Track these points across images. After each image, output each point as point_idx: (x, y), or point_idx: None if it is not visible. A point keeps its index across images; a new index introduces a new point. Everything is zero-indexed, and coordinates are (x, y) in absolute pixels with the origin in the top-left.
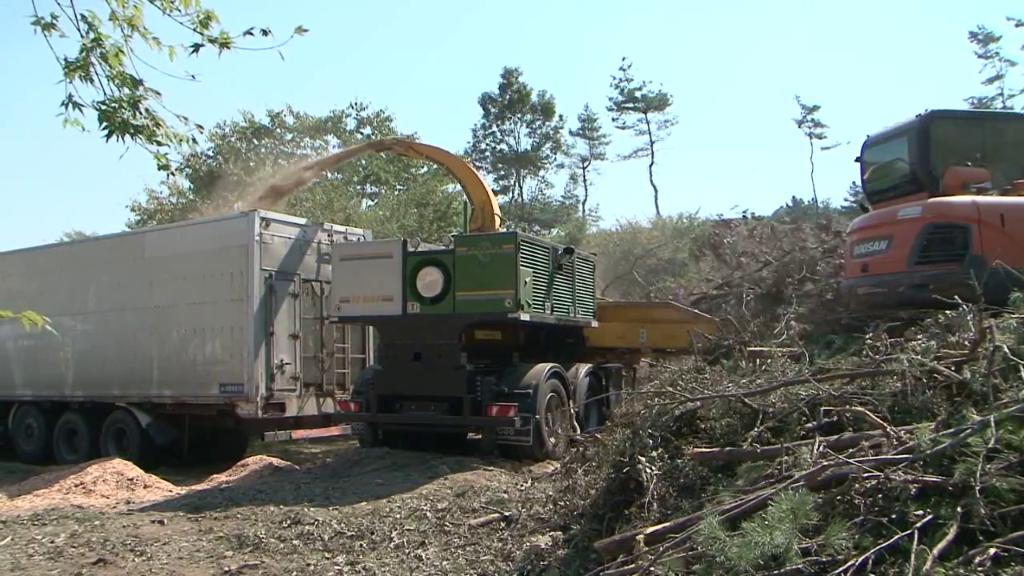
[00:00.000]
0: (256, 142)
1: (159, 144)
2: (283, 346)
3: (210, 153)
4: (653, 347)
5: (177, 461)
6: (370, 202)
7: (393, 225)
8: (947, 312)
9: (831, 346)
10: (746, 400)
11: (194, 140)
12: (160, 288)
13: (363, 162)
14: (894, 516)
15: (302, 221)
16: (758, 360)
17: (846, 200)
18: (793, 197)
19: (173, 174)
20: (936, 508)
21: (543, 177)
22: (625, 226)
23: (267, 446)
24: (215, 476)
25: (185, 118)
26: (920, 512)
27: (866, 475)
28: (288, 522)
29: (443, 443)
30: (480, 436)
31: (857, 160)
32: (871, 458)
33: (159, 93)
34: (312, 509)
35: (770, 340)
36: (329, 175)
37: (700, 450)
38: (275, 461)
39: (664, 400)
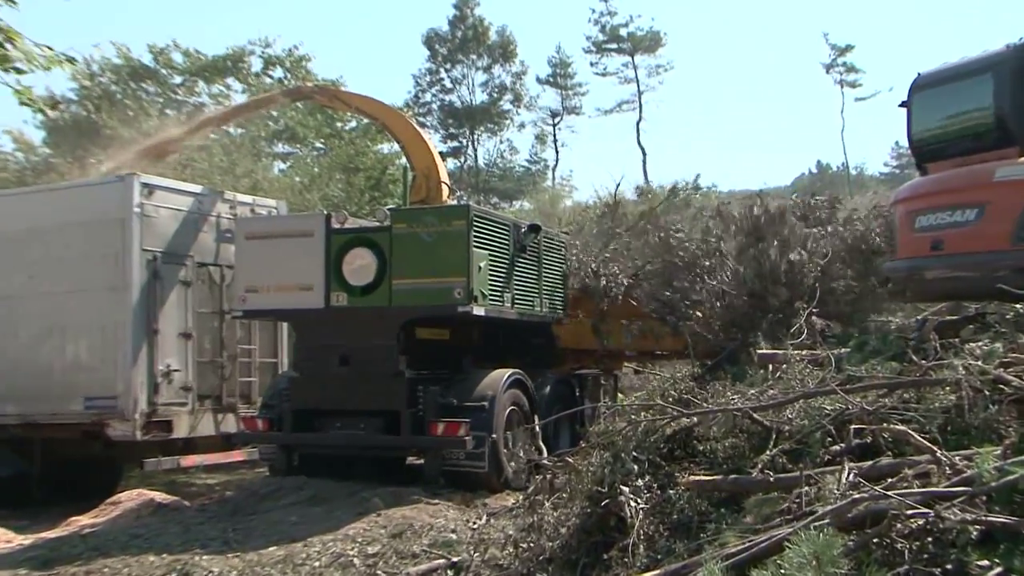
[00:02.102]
0: (136, 86)
1: (18, 72)
2: (171, 348)
3: (73, 97)
4: (640, 349)
5: (23, 500)
6: (284, 165)
7: (314, 195)
8: (1018, 306)
9: (864, 348)
10: (756, 416)
11: (70, 60)
12: (3, 274)
13: (275, 115)
14: (949, 566)
15: (197, 189)
16: (771, 366)
17: (887, 165)
18: (818, 162)
19: (42, 110)
20: (1006, 557)
21: (503, 137)
22: (606, 198)
23: (148, 477)
24: (75, 519)
25: (49, 47)
26: (984, 562)
27: (911, 512)
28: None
29: (376, 470)
30: (423, 461)
31: (903, 105)
32: (917, 491)
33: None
34: (206, 558)
35: (786, 340)
36: (232, 130)
37: (698, 478)
38: (158, 496)
39: (653, 415)
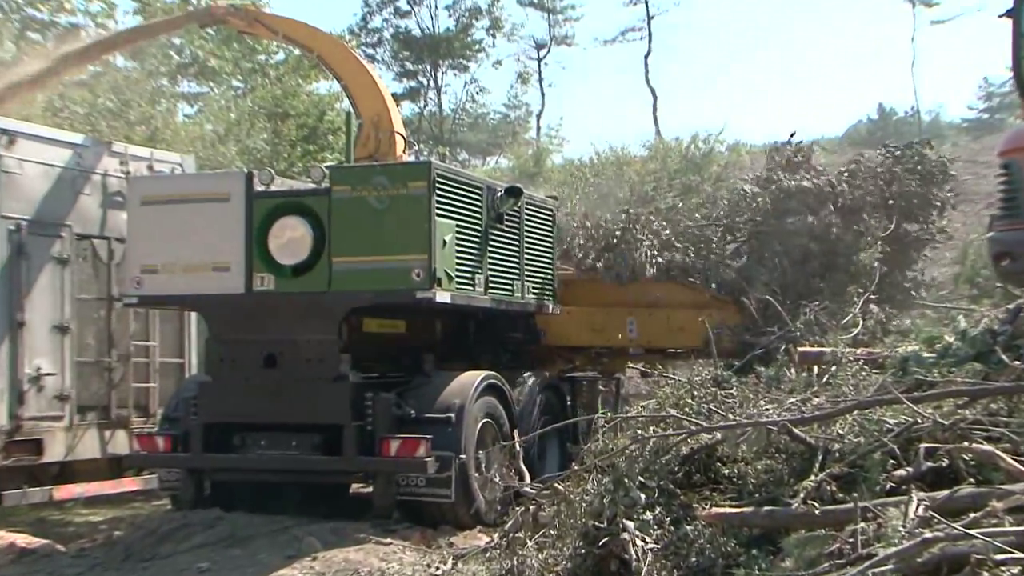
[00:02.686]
0: None
1: None
2: (41, 345)
3: None
4: (648, 346)
5: None
6: (191, 110)
7: (230, 148)
8: None
9: (937, 344)
10: (797, 431)
11: None
12: None
13: (179, 43)
14: None
15: (75, 139)
16: (816, 367)
17: (971, 109)
18: (880, 107)
19: None
20: None
21: (474, 76)
22: (606, 154)
23: (8, 514)
24: None
25: None
26: None
27: (1001, 557)
28: None
29: (312, 500)
30: (372, 489)
31: (1008, 14)
32: (1010, 529)
33: None
34: None
35: (835, 335)
36: (122, 62)
37: (722, 510)
38: (20, 539)
39: (665, 430)
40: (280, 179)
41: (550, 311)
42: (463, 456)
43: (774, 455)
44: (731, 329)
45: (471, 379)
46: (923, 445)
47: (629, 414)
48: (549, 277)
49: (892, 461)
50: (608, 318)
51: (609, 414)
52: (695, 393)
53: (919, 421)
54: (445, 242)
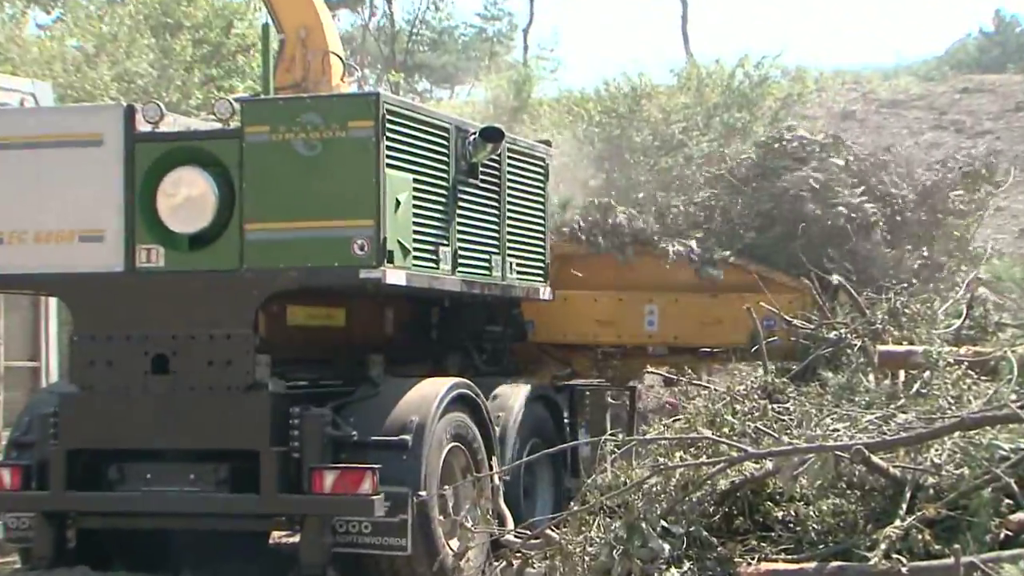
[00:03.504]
0: None
1: None
2: None
3: None
4: (673, 343)
5: None
6: (48, 19)
7: (102, 71)
8: None
9: None
10: (876, 459)
11: None
12: None
13: None
14: None
15: None
16: (903, 372)
17: None
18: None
19: None
20: None
21: None
22: (618, 84)
23: None
24: None
25: None
26: None
27: None
28: None
29: (217, 553)
30: (299, 538)
31: None
32: None
33: None
34: None
35: (928, 326)
36: None
37: (774, 566)
38: None
39: (697, 457)
40: (172, 116)
41: (541, 296)
42: (423, 493)
43: (845, 492)
44: (787, 320)
45: (434, 389)
46: None
47: (647, 436)
48: (540, 251)
49: (1008, 500)
50: (620, 306)
51: (621, 436)
52: (737, 407)
53: None
54: (398, 203)
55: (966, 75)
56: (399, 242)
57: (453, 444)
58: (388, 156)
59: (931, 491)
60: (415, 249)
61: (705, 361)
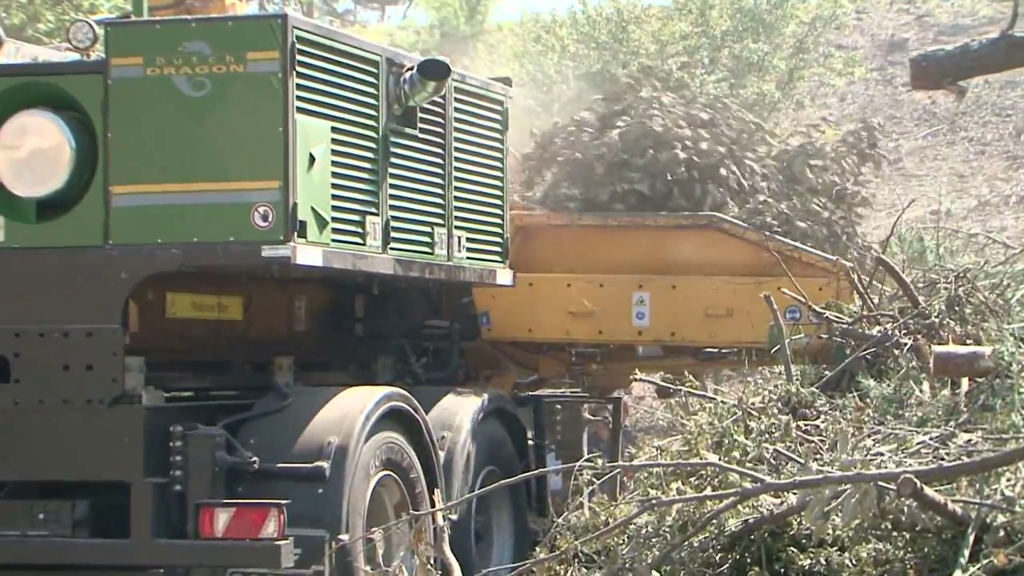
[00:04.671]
0: None
1: None
2: None
3: None
4: (670, 342)
5: None
6: None
7: None
8: None
9: None
10: (930, 491)
11: None
12: None
13: None
14: None
15: None
16: (965, 379)
17: None
18: None
19: None
20: None
21: None
22: (599, 5)
23: None
24: None
25: None
26: None
27: None
28: None
29: None
30: None
31: None
32: None
33: None
34: None
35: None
36: None
37: None
38: None
39: (700, 489)
40: (15, 44)
41: (499, 281)
42: (344, 537)
43: (890, 534)
44: (818, 312)
45: (358, 402)
46: None
47: (635, 461)
48: (497, 222)
49: None
50: (601, 294)
51: (602, 462)
52: (752, 425)
53: None
54: (312, 159)
55: None
56: (313, 210)
57: (383, 473)
58: (299, 98)
59: (1001, 532)
60: (334, 219)
61: (711, 365)
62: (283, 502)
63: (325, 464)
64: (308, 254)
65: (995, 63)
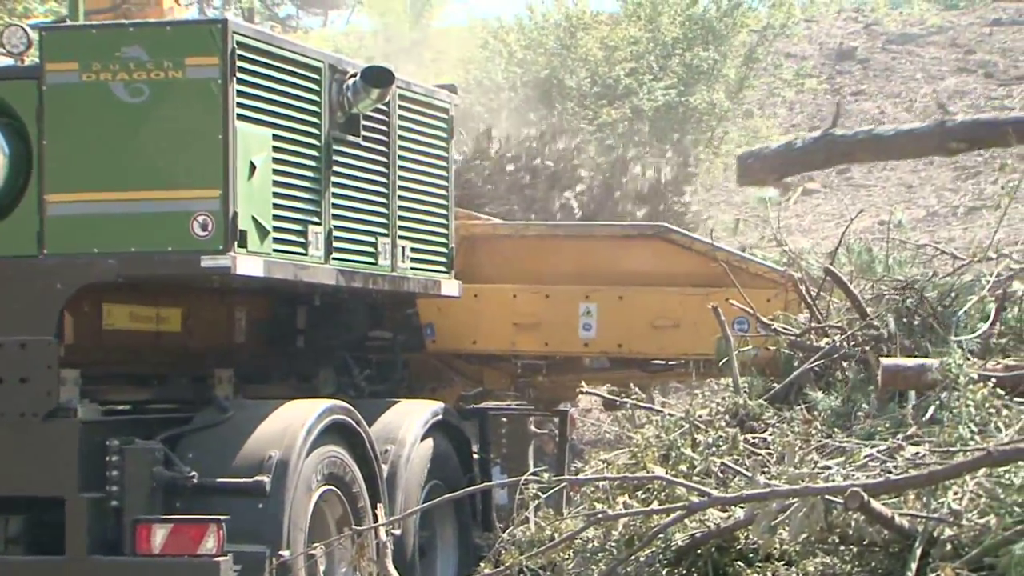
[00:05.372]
0: None
1: None
2: None
3: None
4: (618, 353)
5: None
6: None
7: None
8: None
9: None
10: (878, 505)
11: None
12: None
13: None
14: None
15: None
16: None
17: None
18: None
19: None
20: None
21: None
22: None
23: None
24: None
25: None
26: None
27: None
28: None
29: None
30: None
31: None
32: None
33: None
34: None
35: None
36: None
37: None
38: None
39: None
40: None
41: (444, 292)
42: (285, 553)
43: (838, 548)
44: (766, 324)
45: (300, 415)
46: None
47: (581, 475)
48: (442, 232)
49: None
50: (547, 304)
51: (548, 476)
52: (699, 438)
53: None
54: (253, 167)
55: (998, 1)
56: (254, 219)
57: (326, 487)
58: (239, 104)
59: (948, 546)
60: (276, 229)
61: (658, 377)
62: (222, 518)
63: (266, 478)
64: (248, 264)
65: (818, 160)
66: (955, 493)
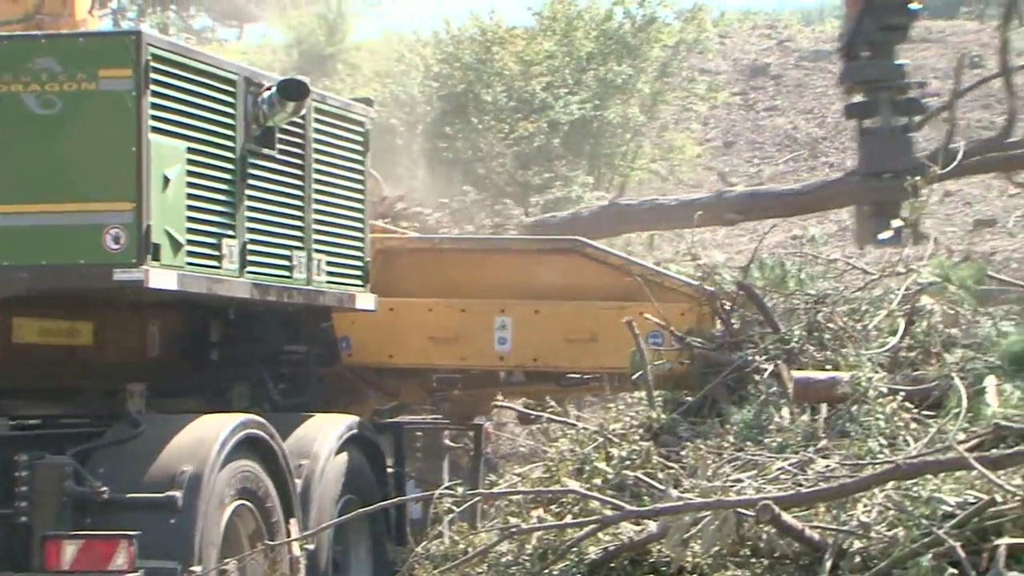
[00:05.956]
0: None
1: None
2: None
3: None
4: (533, 367)
5: None
6: None
7: None
8: None
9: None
10: (788, 517)
11: None
12: None
13: None
14: None
15: None
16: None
17: None
18: None
19: None
20: None
21: None
22: (464, 26)
23: None
24: None
25: None
26: None
27: None
28: None
29: None
30: None
31: None
32: None
33: None
34: None
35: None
36: None
37: None
38: None
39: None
40: None
41: (359, 306)
42: (197, 569)
43: (749, 561)
44: (680, 338)
45: (213, 429)
46: (1004, 541)
47: (496, 489)
48: (358, 245)
49: (952, 570)
50: (462, 319)
51: (462, 490)
52: (613, 452)
53: (999, 499)
54: (167, 180)
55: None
56: (168, 232)
57: (239, 502)
58: (153, 117)
59: (857, 558)
60: (189, 242)
61: (574, 391)
62: (133, 533)
63: (178, 494)
64: (162, 278)
65: (605, 228)
66: (864, 506)
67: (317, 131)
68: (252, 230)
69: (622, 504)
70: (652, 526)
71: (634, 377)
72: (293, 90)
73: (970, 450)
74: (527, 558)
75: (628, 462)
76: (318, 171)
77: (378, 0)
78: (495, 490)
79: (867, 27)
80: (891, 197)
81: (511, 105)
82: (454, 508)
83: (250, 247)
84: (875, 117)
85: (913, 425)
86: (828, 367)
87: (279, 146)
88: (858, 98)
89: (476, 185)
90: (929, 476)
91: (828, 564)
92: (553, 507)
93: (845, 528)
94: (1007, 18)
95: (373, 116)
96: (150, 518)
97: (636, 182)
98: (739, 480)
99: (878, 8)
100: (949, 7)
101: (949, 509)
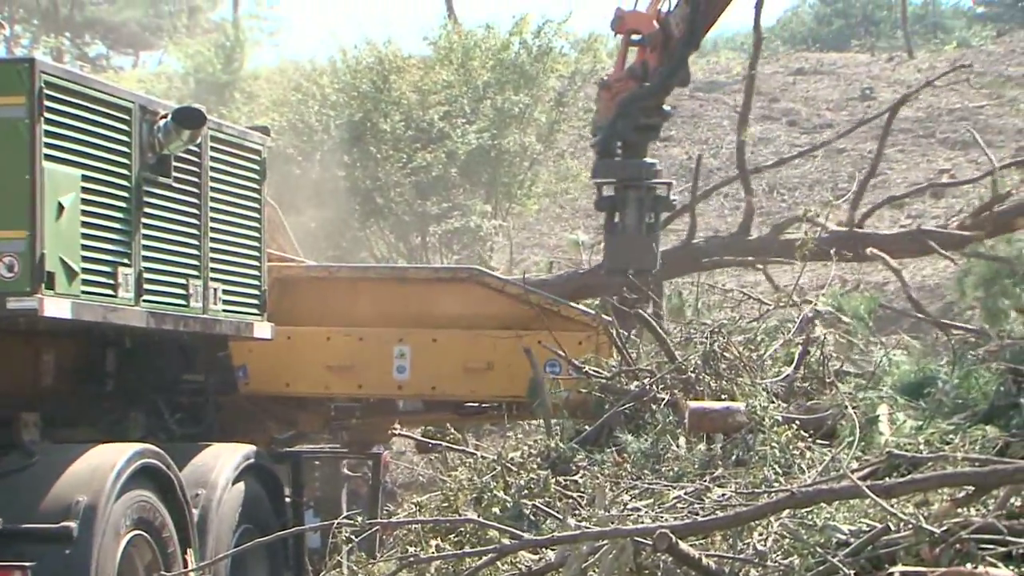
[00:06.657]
0: None
1: None
2: None
3: None
4: (431, 396)
5: None
6: None
7: None
8: None
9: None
10: (685, 546)
11: None
12: None
13: None
14: None
15: None
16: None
17: None
18: None
19: None
20: None
21: None
22: (360, 53)
23: None
24: None
25: None
26: None
27: None
28: None
29: None
30: None
31: None
32: None
33: None
34: None
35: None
36: None
37: None
38: None
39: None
40: None
41: (256, 335)
42: None
43: None
44: (577, 366)
45: (109, 459)
46: (898, 569)
47: (394, 518)
48: (255, 274)
49: None
50: (361, 347)
51: (360, 518)
52: (511, 481)
53: (893, 527)
54: (61, 207)
55: (800, 52)
56: (62, 260)
57: (135, 532)
58: (47, 144)
59: None
60: (84, 270)
61: (472, 419)
62: (28, 564)
63: (73, 524)
64: (56, 306)
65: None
66: (760, 534)
67: (214, 159)
68: (148, 258)
69: (520, 533)
70: (550, 555)
71: (532, 406)
72: (189, 118)
73: (863, 478)
74: None
75: (526, 491)
76: (215, 199)
77: (275, 28)
78: (394, 519)
79: (621, 128)
80: (634, 294)
81: (409, 134)
82: (353, 537)
83: (146, 275)
84: (624, 213)
85: (808, 454)
86: (724, 396)
87: (175, 174)
88: (608, 193)
89: (375, 215)
90: (824, 504)
91: None
92: (452, 536)
93: (742, 556)
94: (743, 120)
95: (270, 144)
96: (45, 549)
97: (536, 210)
98: (637, 509)
99: (632, 112)
100: (841, 40)
101: (843, 537)
